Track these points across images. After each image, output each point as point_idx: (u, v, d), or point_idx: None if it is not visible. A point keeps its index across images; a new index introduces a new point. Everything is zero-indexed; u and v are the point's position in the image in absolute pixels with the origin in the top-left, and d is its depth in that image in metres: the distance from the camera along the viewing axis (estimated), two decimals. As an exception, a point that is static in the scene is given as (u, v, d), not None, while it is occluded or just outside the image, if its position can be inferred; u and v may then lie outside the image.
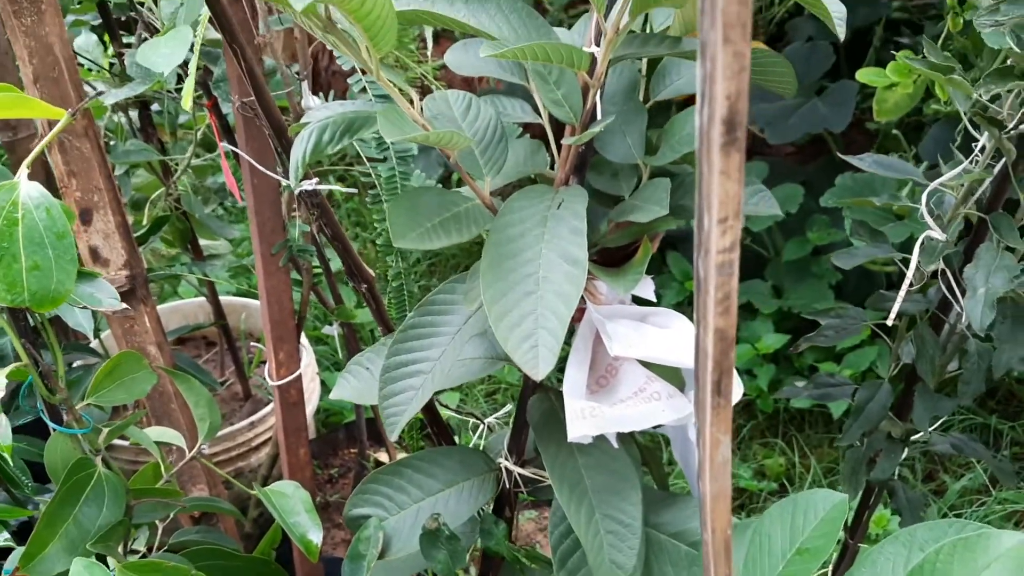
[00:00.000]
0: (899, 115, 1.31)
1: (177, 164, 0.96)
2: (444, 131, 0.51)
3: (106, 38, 1.06)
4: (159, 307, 1.16)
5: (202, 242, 1.14)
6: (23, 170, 0.52)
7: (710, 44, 0.24)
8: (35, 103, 0.56)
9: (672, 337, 0.60)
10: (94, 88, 0.92)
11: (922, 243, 0.63)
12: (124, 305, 0.56)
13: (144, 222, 1.02)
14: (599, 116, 0.59)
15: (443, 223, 0.56)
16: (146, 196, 1.09)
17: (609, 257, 0.66)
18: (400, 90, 0.53)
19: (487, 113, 0.63)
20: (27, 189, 0.51)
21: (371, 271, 0.70)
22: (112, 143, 0.99)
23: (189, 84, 0.59)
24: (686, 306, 1.68)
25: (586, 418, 0.59)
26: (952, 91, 0.65)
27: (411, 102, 0.55)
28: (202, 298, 1.29)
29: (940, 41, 1.27)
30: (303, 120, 0.55)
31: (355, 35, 0.49)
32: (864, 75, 1.28)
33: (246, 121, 0.77)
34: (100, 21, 0.92)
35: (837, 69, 1.66)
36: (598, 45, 0.59)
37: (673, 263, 1.62)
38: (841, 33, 0.54)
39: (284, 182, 0.70)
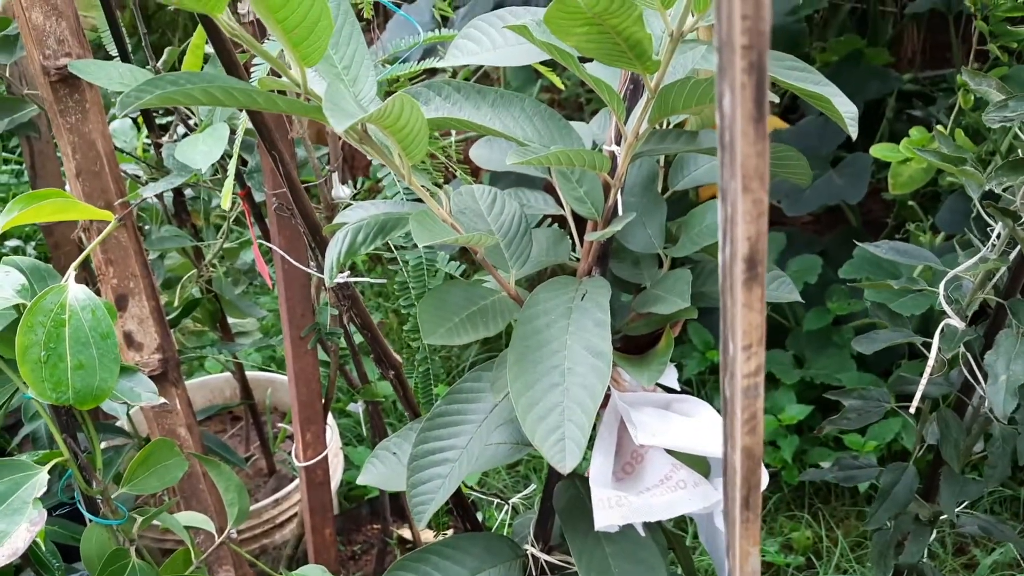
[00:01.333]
0: (914, 188, 1.33)
1: (209, 247, 0.99)
2: (474, 234, 0.53)
3: (139, 120, 1.11)
4: (187, 382, 1.18)
5: (230, 320, 1.17)
6: (71, 273, 0.55)
7: (731, 192, 0.26)
8: (83, 207, 0.59)
9: (697, 426, 0.60)
10: (131, 175, 0.96)
11: (942, 330, 0.64)
12: (163, 400, 0.57)
13: (175, 303, 1.05)
14: (620, 211, 0.61)
15: (470, 317, 0.57)
16: (178, 276, 1.12)
17: (632, 344, 0.67)
18: (429, 191, 0.56)
19: (511, 207, 0.65)
20: (74, 292, 0.53)
21: (398, 357, 0.72)
22: (147, 227, 1.03)
23: (228, 185, 0.62)
24: (708, 375, 1.68)
25: (613, 507, 0.60)
26: (965, 180, 0.67)
27: (440, 202, 0.57)
28: (228, 374, 1.31)
29: (952, 116, 1.29)
30: (337, 219, 0.58)
31: (388, 144, 0.51)
32: (878, 151, 1.31)
33: (272, 172, 0.80)
34: (138, 112, 0.96)
35: (851, 140, 1.68)
36: (618, 144, 0.62)
37: (694, 333, 1.62)
38: (853, 133, 0.56)
39: (315, 275, 0.72)
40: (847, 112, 0.56)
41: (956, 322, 0.63)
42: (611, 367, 0.53)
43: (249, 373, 1.31)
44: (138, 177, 1.15)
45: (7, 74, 0.92)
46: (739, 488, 0.31)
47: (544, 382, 0.54)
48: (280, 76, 0.48)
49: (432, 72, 0.97)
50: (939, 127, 1.23)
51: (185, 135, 0.87)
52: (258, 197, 0.90)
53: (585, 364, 0.54)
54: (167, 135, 0.97)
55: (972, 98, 1.27)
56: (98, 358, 0.53)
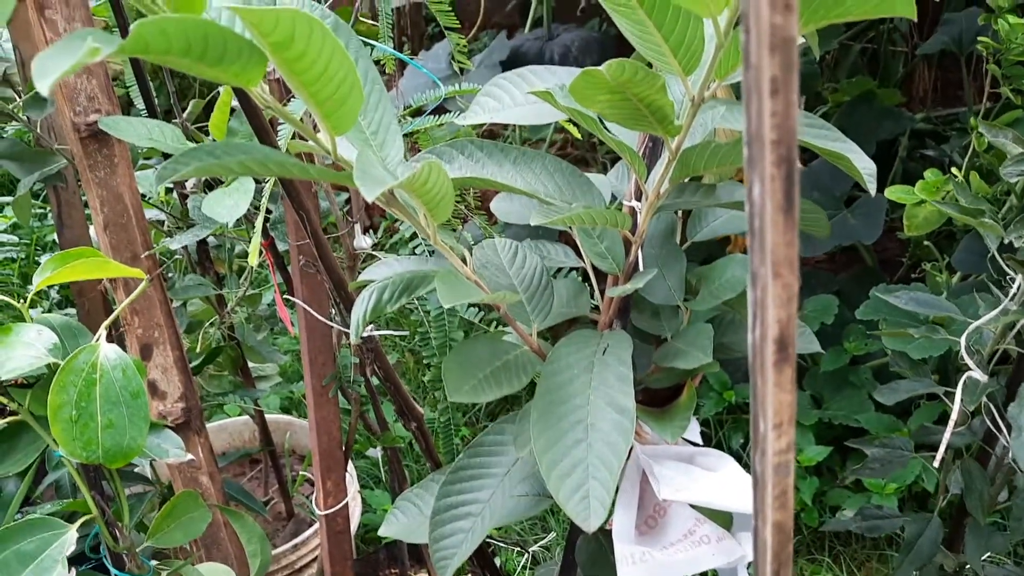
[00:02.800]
0: (929, 230, 1.33)
1: (231, 294, 1.00)
2: (498, 292, 0.54)
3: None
4: (207, 425, 1.19)
5: (251, 363, 1.18)
6: (102, 332, 0.56)
7: (760, 277, 0.26)
8: (114, 266, 0.60)
9: (721, 481, 0.60)
10: (153, 222, 0.97)
11: (964, 383, 0.64)
12: (190, 456, 0.58)
13: (198, 349, 1.06)
14: (641, 266, 0.61)
15: (494, 373, 0.58)
16: (200, 320, 1.13)
17: (653, 396, 0.68)
18: (452, 247, 0.57)
19: (532, 261, 0.66)
20: (106, 351, 0.54)
21: (420, 408, 0.72)
22: (171, 275, 1.04)
23: (255, 242, 0.63)
24: (725, 415, 1.67)
25: (636, 563, 0.60)
26: (982, 231, 0.67)
27: (464, 260, 0.58)
28: (247, 417, 1.32)
29: (967, 157, 1.30)
30: (363, 276, 0.59)
31: (415, 205, 0.52)
32: (893, 192, 1.31)
33: (297, 230, 0.81)
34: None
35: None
36: (638, 200, 0.63)
37: (711, 373, 1.62)
38: (872, 189, 0.57)
39: (338, 328, 0.73)
40: (865, 169, 0.57)
41: (978, 374, 0.63)
42: (634, 423, 0.54)
43: (269, 416, 1.31)
44: (161, 222, 1.16)
45: (38, 129, 0.94)
46: (769, 563, 0.31)
47: (568, 439, 0.54)
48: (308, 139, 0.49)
49: (439, 109, 0.99)
50: (954, 170, 1.23)
51: (208, 185, 0.88)
52: (281, 246, 0.92)
53: (608, 420, 0.55)
54: (192, 184, 0.98)
55: (986, 140, 1.28)
56: (128, 417, 0.53)
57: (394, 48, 0.90)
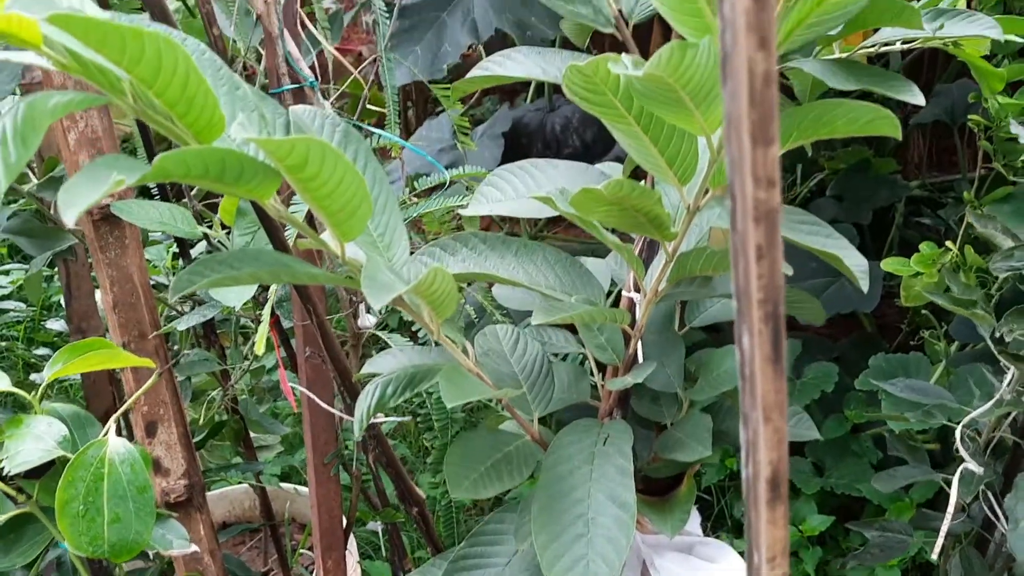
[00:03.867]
0: (926, 301, 1.34)
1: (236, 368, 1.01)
2: (502, 389, 0.55)
3: (171, 247, 1.15)
4: (207, 493, 1.19)
5: (252, 434, 1.18)
6: (111, 425, 0.57)
7: (752, 420, 0.27)
8: (125, 356, 0.62)
9: (721, 572, 0.61)
10: (164, 302, 0.99)
11: (961, 475, 0.64)
12: (194, 547, 0.59)
13: (200, 421, 1.07)
14: (640, 357, 0.63)
15: (495, 466, 0.59)
16: (203, 389, 1.14)
17: (653, 485, 0.68)
18: (454, 340, 0.58)
19: (533, 349, 0.67)
20: (114, 445, 0.55)
21: (421, 493, 0.73)
22: (175, 346, 1.05)
23: (263, 331, 0.64)
24: (727, 481, 1.66)
25: (637, 656, 0.60)
26: (976, 321, 0.69)
27: (467, 353, 0.59)
28: (247, 485, 1.32)
29: (961, 229, 1.32)
30: (366, 368, 0.60)
31: (419, 303, 0.54)
32: (889, 264, 1.33)
33: (306, 339, 0.83)
34: (175, 242, 1.00)
35: (864, 248, 1.71)
36: (636, 291, 0.64)
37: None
38: (864, 287, 0.58)
39: (342, 415, 0.74)
40: (856, 266, 0.59)
41: (974, 466, 0.64)
42: (635, 518, 0.54)
43: (269, 488, 1.31)
44: (165, 287, 1.18)
45: (52, 211, 0.96)
46: None
47: (569, 533, 0.55)
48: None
49: (438, 188, 1.01)
50: (949, 243, 1.25)
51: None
52: (286, 323, 0.93)
53: (609, 515, 0.55)
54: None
55: (980, 212, 1.30)
56: (134, 511, 0.54)
57: (398, 114, 0.93)
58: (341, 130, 0.53)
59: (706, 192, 0.50)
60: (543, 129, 1.62)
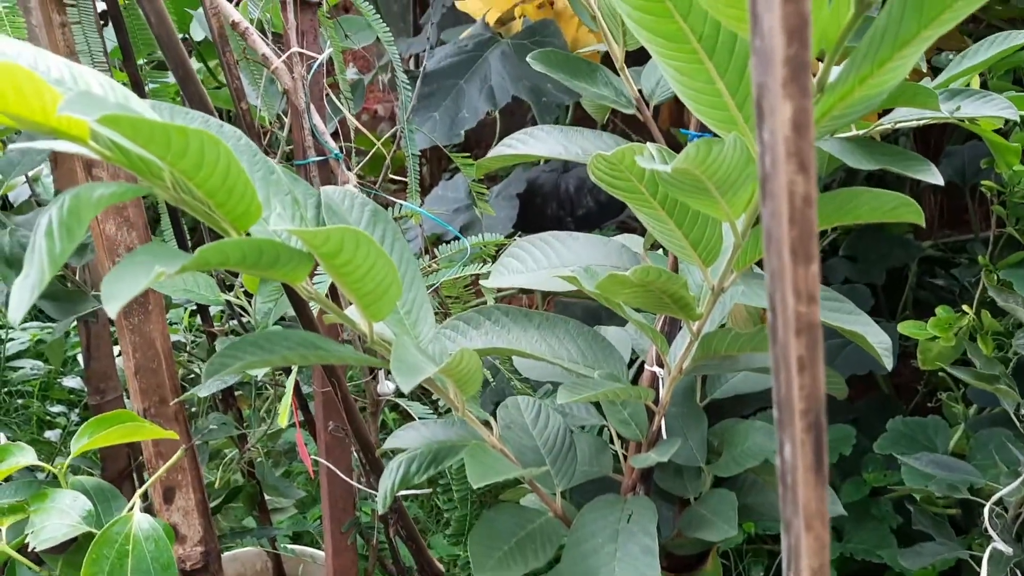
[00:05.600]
0: (944, 363, 1.34)
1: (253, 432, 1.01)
2: (529, 468, 0.55)
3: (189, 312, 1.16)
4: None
5: (267, 496, 1.17)
6: (136, 501, 0.57)
7: (794, 527, 0.28)
8: (149, 428, 0.62)
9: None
10: (188, 368, 0.99)
11: (990, 555, 0.64)
12: (215, 626, 0.58)
13: (216, 484, 1.06)
14: (664, 434, 0.63)
15: (519, 544, 0.58)
16: (219, 449, 1.14)
17: (677, 561, 0.68)
18: (477, 417, 0.58)
19: (555, 421, 0.67)
20: (139, 521, 0.55)
21: (440, 566, 0.72)
22: (193, 408, 1.06)
23: (286, 402, 0.65)
24: (745, 545, 1.64)
25: None
26: (1000, 396, 0.68)
27: (490, 427, 0.59)
28: (260, 549, 1.31)
29: (978, 293, 1.32)
30: (389, 443, 0.60)
31: (445, 381, 0.54)
32: (905, 328, 1.33)
33: (325, 405, 0.83)
34: (196, 309, 1.01)
35: (878, 308, 1.71)
36: (660, 366, 0.64)
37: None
38: (889, 364, 0.58)
39: (360, 487, 0.74)
40: (881, 344, 0.59)
41: (1002, 546, 0.63)
42: (661, 601, 0.54)
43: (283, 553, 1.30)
44: (183, 347, 1.19)
45: (76, 275, 0.98)
46: None
47: (593, 614, 0.54)
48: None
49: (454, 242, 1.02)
50: (966, 307, 1.25)
51: (234, 331, 0.91)
52: (304, 387, 0.93)
53: (634, 596, 0.55)
54: (221, 322, 1.01)
55: (995, 277, 1.30)
56: (157, 589, 0.54)
57: (416, 175, 0.94)
58: (370, 210, 0.54)
59: (731, 275, 0.51)
60: (557, 189, 1.64)
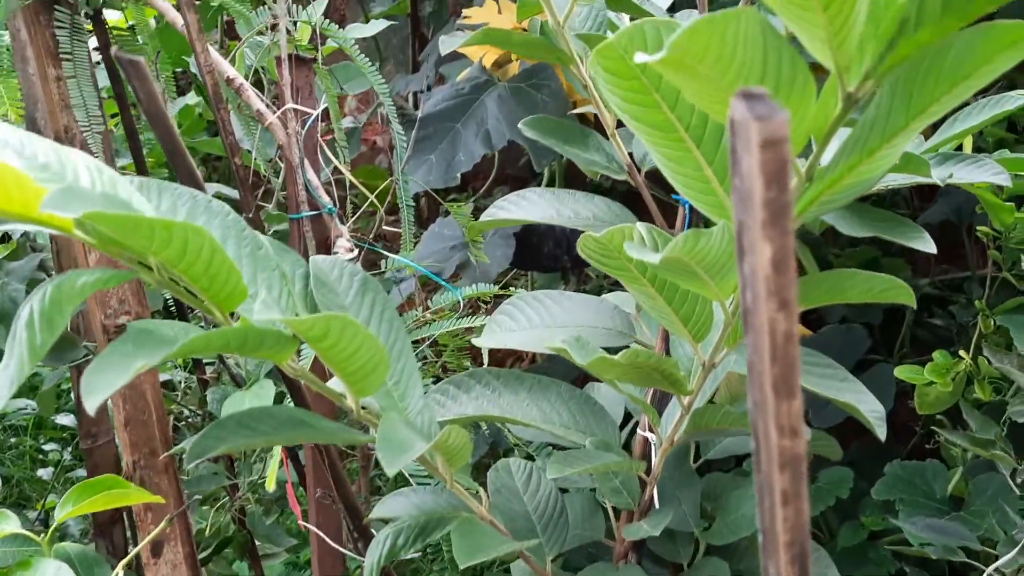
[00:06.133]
0: (941, 409, 1.33)
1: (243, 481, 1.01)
2: (519, 543, 0.54)
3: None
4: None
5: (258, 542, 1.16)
6: (119, 571, 0.56)
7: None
8: (136, 492, 0.61)
9: None
10: (178, 421, 0.99)
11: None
12: None
13: (207, 532, 1.05)
14: (656, 502, 0.62)
15: (509, 616, 0.58)
16: (210, 495, 1.13)
17: (669, 629, 0.67)
18: (467, 488, 0.58)
19: (547, 484, 0.66)
20: (123, 594, 0.54)
21: (432, 629, 0.71)
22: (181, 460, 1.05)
23: (273, 467, 0.64)
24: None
25: None
26: (996, 461, 0.68)
27: (479, 498, 0.58)
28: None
29: (974, 339, 1.31)
30: (376, 512, 0.59)
31: (434, 453, 0.53)
32: (902, 372, 1.32)
33: (315, 468, 0.82)
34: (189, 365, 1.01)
35: (875, 348, 1.70)
36: (652, 431, 0.64)
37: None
38: (881, 434, 0.58)
39: (351, 555, 0.73)
40: (872, 413, 0.58)
41: (1001, 618, 0.62)
42: None
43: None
44: (175, 387, 1.18)
45: (68, 327, 0.97)
46: None
47: None
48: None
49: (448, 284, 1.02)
50: (963, 353, 1.25)
51: (223, 373, 0.90)
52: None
53: (625, 672, 0.54)
54: (213, 371, 1.00)
55: (992, 323, 1.30)
56: (140, 666, 0.53)
57: (410, 225, 0.94)
58: (359, 280, 0.54)
59: (722, 350, 0.50)
60: (553, 229, 1.63)
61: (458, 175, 1.28)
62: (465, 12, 1.54)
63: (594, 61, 0.38)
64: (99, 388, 0.35)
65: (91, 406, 0.35)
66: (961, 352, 1.26)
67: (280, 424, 0.47)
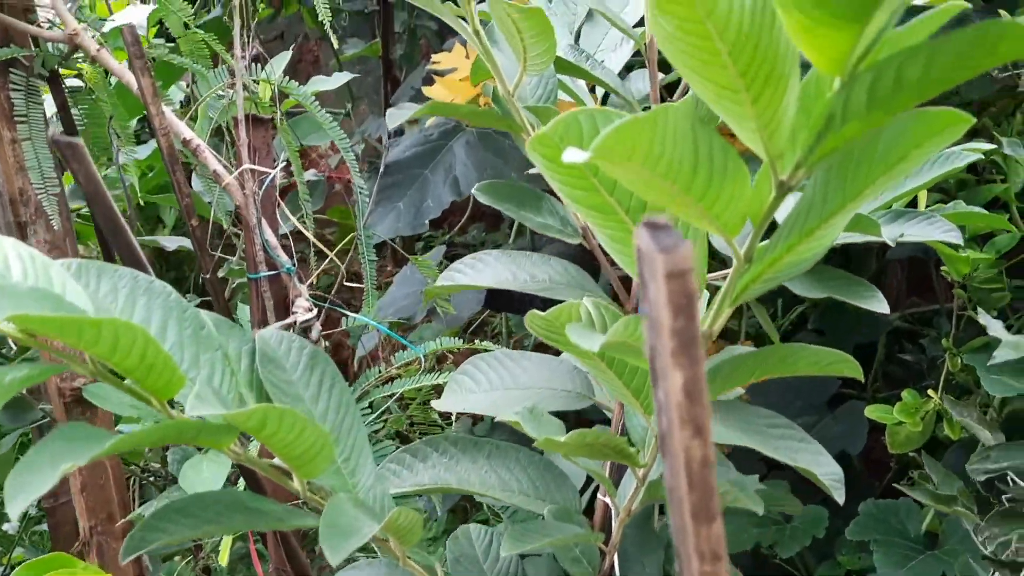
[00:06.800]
0: (912, 448, 1.33)
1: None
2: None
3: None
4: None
5: (224, 600, 1.14)
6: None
7: None
8: (86, 572, 0.60)
9: None
10: (144, 476, 0.97)
11: None
12: None
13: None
14: (616, 570, 0.61)
15: None
16: (174, 553, 1.11)
17: None
18: (422, 565, 0.57)
19: (508, 555, 0.65)
20: None
21: None
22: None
23: (226, 544, 0.63)
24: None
25: None
26: (959, 518, 0.68)
27: (436, 571, 0.57)
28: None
29: (942, 378, 1.32)
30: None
31: (386, 533, 0.52)
32: (873, 412, 1.32)
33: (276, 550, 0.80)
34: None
35: (848, 383, 1.71)
36: (610, 498, 0.63)
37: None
38: (839, 497, 0.57)
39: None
40: (828, 476, 0.58)
41: None
42: None
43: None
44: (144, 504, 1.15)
45: (24, 390, 0.95)
46: None
47: None
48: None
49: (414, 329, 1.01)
50: (931, 392, 1.25)
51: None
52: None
53: None
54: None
55: (959, 361, 1.31)
56: None
57: (372, 281, 0.93)
58: (308, 354, 0.53)
59: (673, 422, 0.50)
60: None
61: (426, 222, 1.28)
62: (435, 57, 1.55)
63: (531, 148, 0.38)
64: (24, 491, 0.34)
65: (15, 511, 0.34)
66: (930, 391, 1.26)
67: (225, 510, 0.46)
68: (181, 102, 1.34)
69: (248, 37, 0.77)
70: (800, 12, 0.28)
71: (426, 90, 1.51)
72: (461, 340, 0.91)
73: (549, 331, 0.45)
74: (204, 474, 0.76)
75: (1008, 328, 1.44)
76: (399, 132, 1.77)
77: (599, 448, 0.47)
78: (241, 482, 0.71)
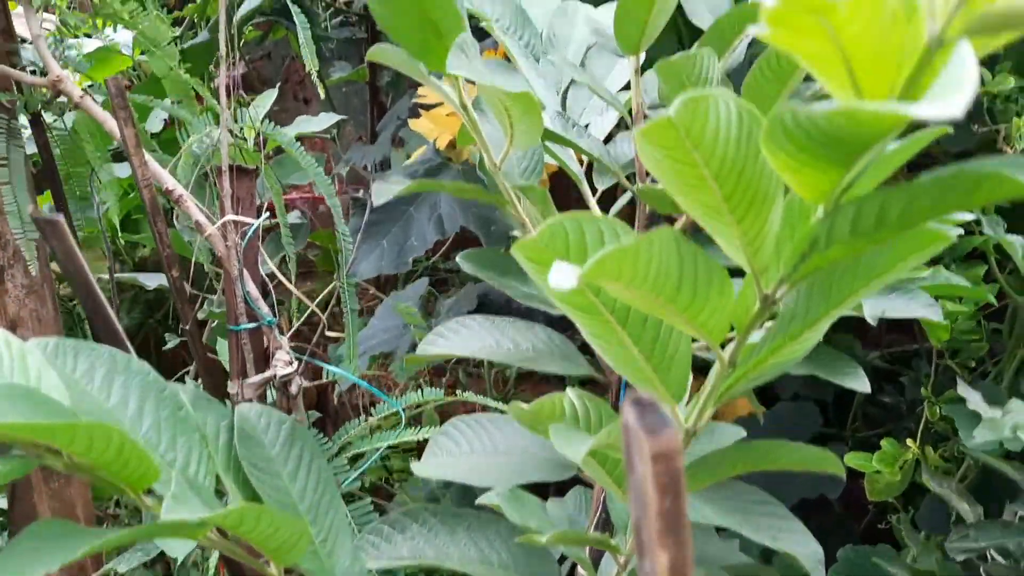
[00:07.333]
0: (892, 495, 1.34)
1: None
2: None
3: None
4: None
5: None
6: None
7: None
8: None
9: None
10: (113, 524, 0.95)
11: None
12: None
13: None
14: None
15: None
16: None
17: None
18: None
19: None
20: None
21: None
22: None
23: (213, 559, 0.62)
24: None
25: None
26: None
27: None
28: None
29: (920, 427, 1.33)
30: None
31: None
32: (852, 460, 1.33)
33: None
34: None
35: (828, 424, 1.72)
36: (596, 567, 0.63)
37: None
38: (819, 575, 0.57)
39: None
40: (810, 558, 0.58)
41: None
42: None
43: None
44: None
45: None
46: None
47: None
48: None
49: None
50: (910, 442, 1.26)
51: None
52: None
53: None
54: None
55: (938, 410, 1.31)
56: None
57: (355, 329, 0.92)
58: (287, 429, 0.53)
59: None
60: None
61: (410, 260, 1.28)
62: (420, 91, 1.55)
63: (518, 252, 0.37)
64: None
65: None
66: (908, 441, 1.27)
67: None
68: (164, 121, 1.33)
69: (233, 87, 0.77)
70: (786, 154, 0.28)
71: (412, 123, 1.51)
72: (440, 389, 0.90)
73: (534, 423, 0.45)
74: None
75: (984, 376, 1.45)
76: (385, 164, 1.76)
77: (581, 540, 0.47)
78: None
